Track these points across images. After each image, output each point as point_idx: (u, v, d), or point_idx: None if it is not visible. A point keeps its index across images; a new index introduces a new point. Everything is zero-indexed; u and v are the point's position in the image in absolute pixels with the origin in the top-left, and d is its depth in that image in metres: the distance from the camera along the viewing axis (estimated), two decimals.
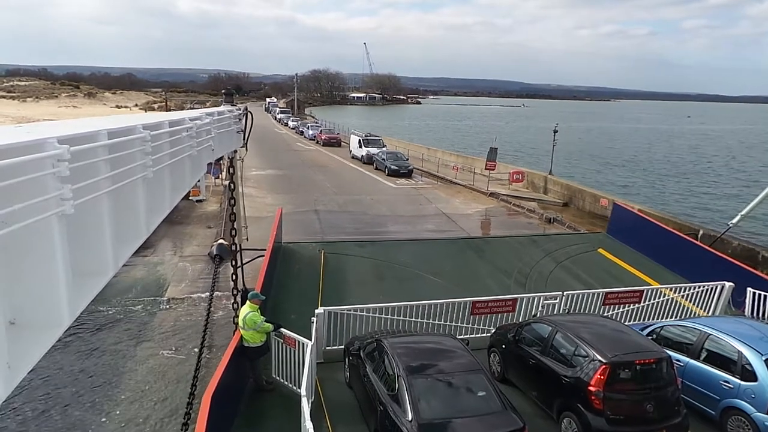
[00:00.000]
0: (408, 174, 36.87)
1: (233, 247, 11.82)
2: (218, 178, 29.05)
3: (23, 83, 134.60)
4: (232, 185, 11.47)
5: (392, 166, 37.00)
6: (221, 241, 19.53)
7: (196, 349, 13.09)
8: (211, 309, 15.26)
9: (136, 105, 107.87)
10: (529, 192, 32.40)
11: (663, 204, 35.30)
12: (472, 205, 28.90)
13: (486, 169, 32.58)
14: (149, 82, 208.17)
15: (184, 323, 14.76)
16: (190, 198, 26.16)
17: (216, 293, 16.42)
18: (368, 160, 41.05)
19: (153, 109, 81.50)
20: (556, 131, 34.22)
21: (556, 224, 24.98)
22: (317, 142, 56.17)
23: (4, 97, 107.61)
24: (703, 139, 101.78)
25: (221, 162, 24.82)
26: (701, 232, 19.86)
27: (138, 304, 15.90)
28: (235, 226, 11.61)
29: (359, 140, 43.82)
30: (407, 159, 39.82)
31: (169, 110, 60.63)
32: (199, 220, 24.69)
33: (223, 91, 11.94)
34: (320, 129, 61.21)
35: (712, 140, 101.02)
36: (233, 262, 12.05)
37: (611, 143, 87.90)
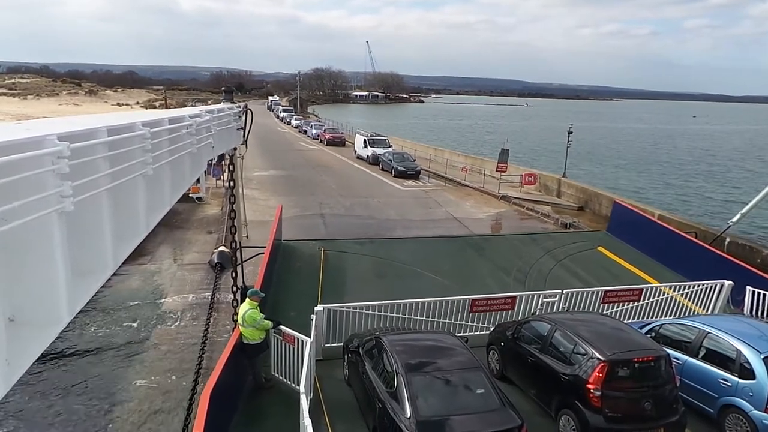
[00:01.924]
0: (415, 175, 36.08)
1: (233, 245, 11.85)
2: (219, 179, 28.16)
3: (25, 80, 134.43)
4: (231, 182, 11.50)
5: (399, 167, 36.18)
6: (222, 248, 18.65)
7: (178, 378, 12.04)
8: (209, 328, 14.14)
9: (138, 103, 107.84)
10: (541, 195, 31.33)
11: (683, 210, 33.90)
12: (483, 208, 28.04)
13: (497, 171, 31.65)
14: (151, 79, 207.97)
15: (180, 344, 13.60)
16: (190, 195, 25.40)
17: (217, 302, 15.51)
18: (374, 161, 40.28)
19: (154, 107, 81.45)
20: (571, 132, 32.67)
21: (573, 229, 24.03)
22: (321, 142, 55.64)
23: (5, 94, 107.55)
24: (712, 140, 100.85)
25: (223, 163, 24.58)
26: (728, 240, 19.17)
27: (132, 320, 14.74)
28: (234, 224, 11.64)
29: (364, 140, 43.07)
30: (414, 160, 38.93)
31: (168, 108, 60.57)
32: (199, 224, 23.85)
33: (223, 88, 11.94)
34: (324, 128, 60.61)
35: (722, 141, 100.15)
36: (233, 260, 12.08)
37: (620, 144, 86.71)
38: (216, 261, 18.19)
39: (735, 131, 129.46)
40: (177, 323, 14.84)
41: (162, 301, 16.09)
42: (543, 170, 35.98)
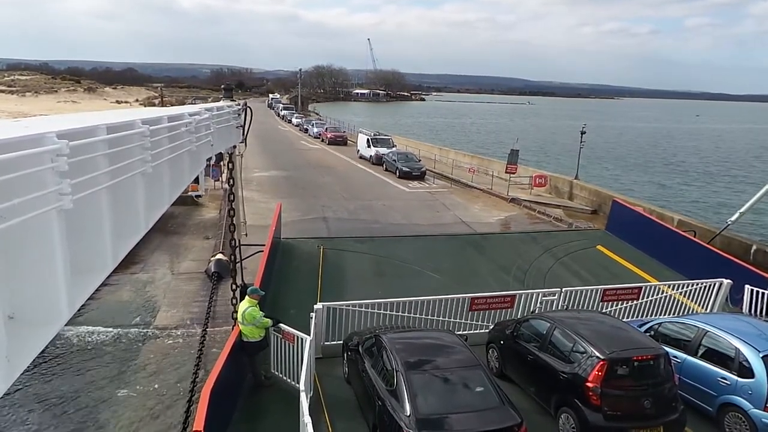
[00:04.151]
0: (421, 176, 35.22)
1: (232, 243, 11.85)
2: (218, 180, 27.50)
3: (24, 78, 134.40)
4: (231, 180, 11.51)
5: (404, 168, 35.33)
6: (220, 255, 17.71)
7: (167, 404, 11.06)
8: (205, 345, 13.05)
9: (137, 100, 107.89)
10: (552, 197, 30.44)
11: (702, 214, 32.91)
12: (492, 212, 27.07)
13: (506, 172, 30.85)
14: (152, 77, 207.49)
15: (171, 364, 12.66)
16: (189, 193, 24.89)
17: (212, 316, 14.55)
18: (377, 161, 39.53)
19: (153, 105, 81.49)
20: (584, 132, 31.65)
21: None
22: (322, 141, 55.16)
23: (3, 91, 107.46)
24: (719, 139, 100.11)
25: (221, 163, 24.12)
26: (754, 248, 18.67)
27: (121, 336, 13.71)
28: (234, 222, 11.65)
29: (368, 139, 42.29)
30: (419, 160, 38.07)
31: (164, 106, 60.47)
32: (196, 229, 22.86)
33: (222, 86, 11.97)
34: (325, 127, 60.05)
35: (729, 140, 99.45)
36: (233, 257, 12.07)
37: (627, 144, 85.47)
38: (213, 270, 17.16)
39: (740, 130, 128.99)
40: (169, 340, 13.73)
41: (153, 314, 15.02)
42: (549, 171, 35.14)
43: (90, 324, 14.21)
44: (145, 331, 14.20)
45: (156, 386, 11.81)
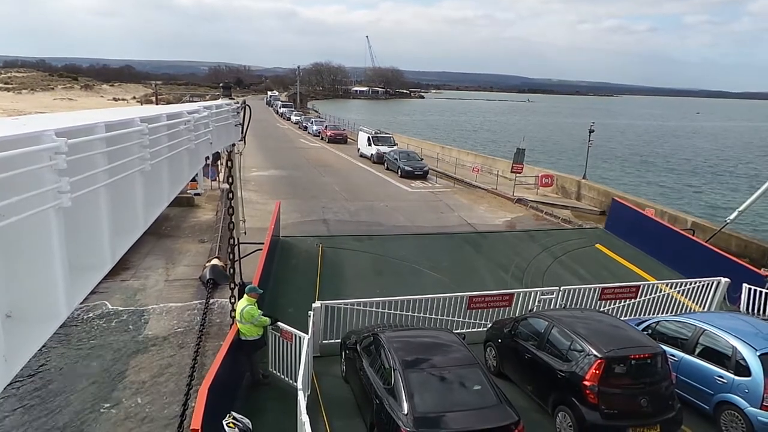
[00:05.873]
0: (423, 176, 34.60)
1: (231, 241, 11.84)
2: (215, 180, 27.28)
3: (21, 75, 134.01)
4: (230, 179, 11.50)
5: (406, 167, 34.61)
6: (215, 261, 16.94)
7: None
8: (198, 360, 12.24)
9: (134, 98, 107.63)
10: (559, 198, 29.89)
11: (716, 216, 31.76)
12: (498, 213, 26.42)
13: (512, 172, 30.23)
14: (149, 74, 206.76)
15: (165, 374, 12.03)
16: (188, 191, 24.58)
17: (208, 325, 13.83)
18: (378, 160, 38.97)
19: (151, 102, 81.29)
20: (592, 131, 31.00)
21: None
22: (322, 139, 54.91)
23: None
24: (723, 138, 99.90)
25: (219, 163, 23.63)
26: None
27: (108, 347, 12.94)
28: (233, 220, 11.64)
29: (368, 137, 41.72)
30: (421, 159, 37.47)
31: (158, 104, 60.20)
32: (191, 231, 21.96)
33: (221, 84, 11.96)
34: (325, 124, 59.66)
35: (734, 138, 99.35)
36: (231, 256, 12.06)
37: (631, 141, 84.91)
38: (208, 277, 16.23)
39: (744, 128, 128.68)
40: (160, 352, 12.95)
41: (143, 324, 14.29)
42: (552, 170, 34.69)
43: (77, 333, 13.55)
44: (132, 341, 13.40)
45: (139, 401, 11.10)
